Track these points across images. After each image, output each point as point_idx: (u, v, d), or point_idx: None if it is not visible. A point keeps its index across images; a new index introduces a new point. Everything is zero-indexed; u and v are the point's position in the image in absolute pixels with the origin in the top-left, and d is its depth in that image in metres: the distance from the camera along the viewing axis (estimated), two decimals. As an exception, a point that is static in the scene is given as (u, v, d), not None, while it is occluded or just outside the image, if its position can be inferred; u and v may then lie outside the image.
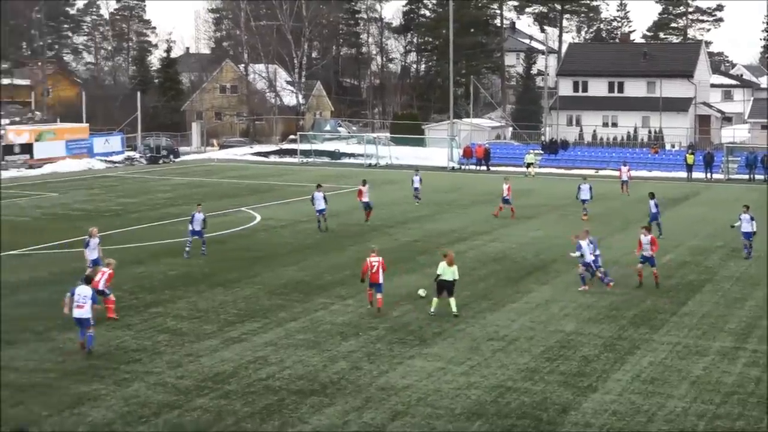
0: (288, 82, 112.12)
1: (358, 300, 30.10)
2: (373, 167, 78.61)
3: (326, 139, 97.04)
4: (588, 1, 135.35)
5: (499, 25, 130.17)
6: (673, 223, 45.63)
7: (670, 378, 22.62)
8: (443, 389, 21.74)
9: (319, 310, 28.96)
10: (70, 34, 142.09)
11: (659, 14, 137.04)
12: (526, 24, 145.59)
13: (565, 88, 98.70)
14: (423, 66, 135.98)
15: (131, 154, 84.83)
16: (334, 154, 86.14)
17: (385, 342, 25.52)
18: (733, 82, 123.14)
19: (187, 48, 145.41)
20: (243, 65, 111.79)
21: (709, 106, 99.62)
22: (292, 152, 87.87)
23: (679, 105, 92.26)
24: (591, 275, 31.76)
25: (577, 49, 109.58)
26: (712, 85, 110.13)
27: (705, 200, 57.34)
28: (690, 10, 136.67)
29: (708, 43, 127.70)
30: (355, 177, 67.04)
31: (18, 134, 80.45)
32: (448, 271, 27.74)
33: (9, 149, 74.40)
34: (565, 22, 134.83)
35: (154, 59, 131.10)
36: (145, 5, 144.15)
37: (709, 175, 70.66)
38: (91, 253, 31.05)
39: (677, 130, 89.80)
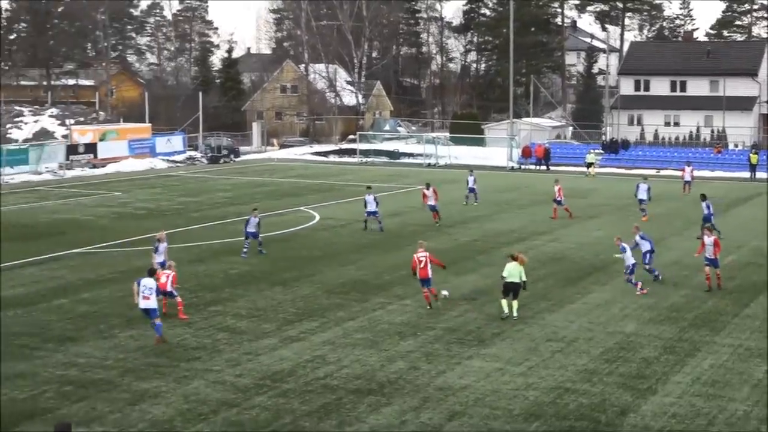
0: (348, 82, 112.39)
1: (416, 300, 30.09)
2: (432, 167, 78.53)
3: (385, 139, 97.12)
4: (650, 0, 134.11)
5: (560, 23, 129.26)
6: (735, 223, 45.09)
7: (731, 381, 22.35)
8: (501, 390, 21.68)
9: (377, 310, 29.02)
10: (133, 35, 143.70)
11: (723, 12, 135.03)
12: (587, 22, 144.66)
13: (627, 87, 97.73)
14: (483, 65, 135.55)
15: (192, 153, 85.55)
16: (393, 154, 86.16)
17: (443, 342, 25.50)
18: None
19: (249, 48, 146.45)
20: (303, 65, 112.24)
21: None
22: (351, 152, 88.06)
23: (742, 104, 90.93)
24: (632, 273, 31.33)
25: (639, 47, 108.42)
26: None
27: (769, 201, 56.47)
28: (755, 7, 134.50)
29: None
30: (414, 177, 67.17)
31: (82, 134, 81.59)
32: (514, 273, 27.43)
33: (73, 149, 75.40)
34: (627, 21, 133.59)
35: (216, 59, 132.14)
36: (207, 6, 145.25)
37: (773, 175, 69.62)
38: (158, 257, 31.35)
39: (741, 129, 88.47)
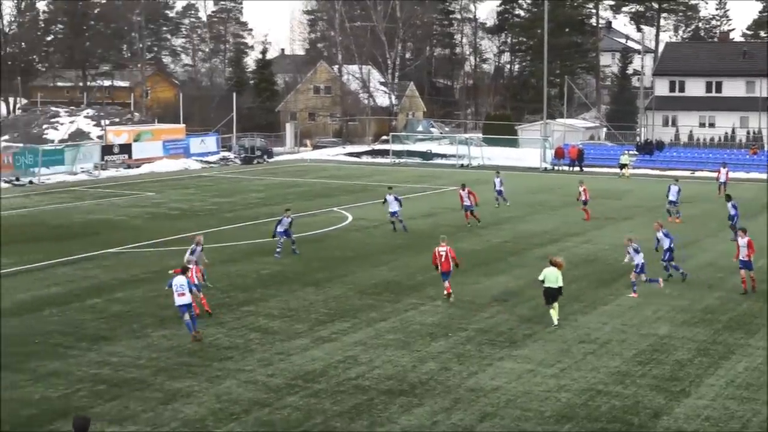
0: (381, 83, 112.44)
1: (448, 301, 30.05)
2: (465, 168, 78.40)
3: (418, 140, 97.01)
4: (686, 0, 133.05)
5: (594, 24, 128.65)
6: (771, 225, 44.72)
7: (765, 384, 22.12)
8: (533, 391, 21.60)
9: (409, 311, 29.00)
10: (168, 36, 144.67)
11: (760, 12, 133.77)
12: (622, 23, 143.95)
13: (662, 88, 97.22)
14: (517, 66, 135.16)
15: (226, 154, 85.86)
16: (426, 155, 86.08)
17: (475, 343, 25.45)
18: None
19: (282, 49, 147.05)
20: (337, 66, 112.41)
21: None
22: (384, 153, 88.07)
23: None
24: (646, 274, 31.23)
25: (674, 48, 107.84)
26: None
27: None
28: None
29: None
30: (447, 178, 67.10)
31: (117, 135, 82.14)
32: (551, 278, 27.03)
33: (108, 149, 75.91)
34: (662, 21, 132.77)
35: (250, 60, 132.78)
36: (242, 7, 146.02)
37: (810, 176, 68.95)
38: (192, 259, 31.38)
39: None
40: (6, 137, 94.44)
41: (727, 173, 57.66)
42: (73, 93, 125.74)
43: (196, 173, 74.15)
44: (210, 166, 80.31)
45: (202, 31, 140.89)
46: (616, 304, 29.94)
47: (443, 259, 29.60)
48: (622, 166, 72.42)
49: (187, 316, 25.63)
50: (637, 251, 31.05)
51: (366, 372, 22.96)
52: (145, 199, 56.85)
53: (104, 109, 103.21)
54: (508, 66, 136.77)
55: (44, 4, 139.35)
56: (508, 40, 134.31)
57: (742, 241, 31.57)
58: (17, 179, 65.50)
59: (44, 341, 25.50)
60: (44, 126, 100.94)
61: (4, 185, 63.39)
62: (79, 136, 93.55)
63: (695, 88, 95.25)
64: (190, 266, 27.81)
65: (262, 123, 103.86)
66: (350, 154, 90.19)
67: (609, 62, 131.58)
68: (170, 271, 28.23)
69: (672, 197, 47.88)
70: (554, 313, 27.03)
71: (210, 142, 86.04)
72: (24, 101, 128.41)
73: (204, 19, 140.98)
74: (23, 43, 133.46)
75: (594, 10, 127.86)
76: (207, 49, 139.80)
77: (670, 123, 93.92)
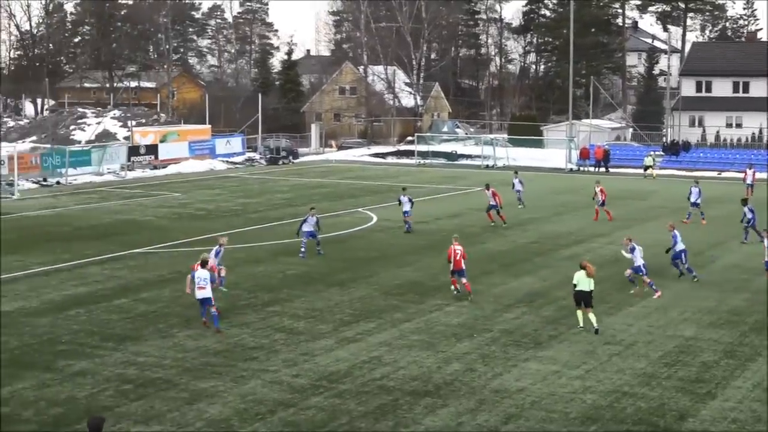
0: (406, 84, 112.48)
1: (473, 301, 30.05)
2: (490, 168, 78.26)
3: (443, 141, 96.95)
4: (713, 0, 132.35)
5: (620, 24, 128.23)
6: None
7: (793, 386, 22.03)
8: (558, 393, 21.55)
9: (433, 311, 28.99)
10: (195, 37, 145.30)
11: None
12: (648, 23, 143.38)
13: (688, 88, 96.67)
14: (542, 66, 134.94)
15: (251, 155, 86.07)
16: (451, 156, 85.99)
17: (500, 344, 25.42)
18: None
19: (308, 50, 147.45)
20: (362, 67, 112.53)
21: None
22: (409, 153, 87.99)
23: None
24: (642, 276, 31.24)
25: (701, 48, 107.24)
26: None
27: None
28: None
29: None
30: (472, 178, 67.04)
31: (143, 135, 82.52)
32: (584, 281, 26.70)
33: (135, 150, 76.24)
34: (689, 21, 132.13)
35: (276, 61, 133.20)
36: (267, 8, 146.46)
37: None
38: (214, 261, 31.55)
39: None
40: (34, 138, 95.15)
41: (753, 174, 57.26)
42: (100, 94, 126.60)
43: (222, 174, 74.37)
44: (235, 166, 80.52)
45: (228, 32, 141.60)
46: (641, 305, 29.81)
47: (458, 257, 30.10)
48: (646, 168, 72.16)
49: (214, 310, 26.31)
50: (632, 251, 31.14)
51: (391, 373, 22.96)
52: (171, 199, 57.07)
53: (131, 110, 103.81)
54: (534, 66, 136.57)
55: (71, 6, 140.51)
56: (534, 40, 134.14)
57: (767, 241, 31.44)
58: (45, 180, 65.91)
59: (71, 341, 25.66)
60: (71, 127, 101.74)
61: (32, 186, 63.77)
62: (105, 136, 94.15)
63: (722, 88, 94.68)
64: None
65: (288, 124, 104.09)
66: (375, 155, 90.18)
67: (635, 62, 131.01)
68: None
69: (693, 199, 47.63)
70: (580, 315, 26.81)
71: (235, 143, 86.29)
72: (52, 102, 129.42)
73: (230, 20, 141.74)
74: (51, 45, 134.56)
75: (620, 10, 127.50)
76: (233, 50, 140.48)
77: (696, 123, 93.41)
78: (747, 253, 37.37)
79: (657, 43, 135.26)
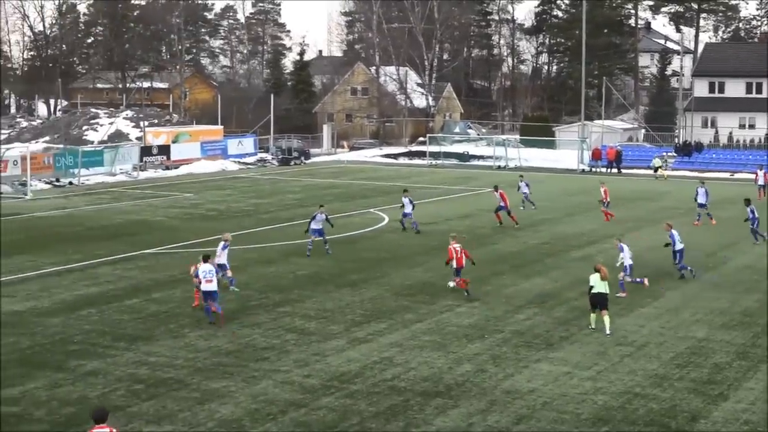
0: (418, 84, 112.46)
1: (484, 302, 30.04)
2: (502, 169, 78.16)
3: (455, 141, 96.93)
4: (726, 0, 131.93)
5: (633, 25, 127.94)
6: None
7: (805, 388, 21.94)
8: (569, 394, 21.51)
9: (444, 312, 28.96)
10: (207, 38, 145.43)
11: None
12: (661, 24, 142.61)
13: (701, 89, 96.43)
14: (554, 67, 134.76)
15: (263, 155, 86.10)
16: (463, 157, 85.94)
17: (511, 345, 25.38)
18: None
19: (320, 51, 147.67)
20: (374, 67, 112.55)
21: None
22: (421, 154, 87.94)
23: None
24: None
25: (714, 49, 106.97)
26: None
27: None
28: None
29: None
30: (484, 179, 66.95)
31: (156, 136, 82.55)
32: (600, 284, 26.58)
33: (147, 150, 76.33)
34: (701, 22, 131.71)
35: (288, 62, 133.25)
36: (280, 9, 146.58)
37: None
38: (221, 258, 31.61)
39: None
40: (47, 138, 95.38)
41: (765, 176, 57.02)
42: (112, 94, 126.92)
43: (234, 174, 74.42)
44: (247, 167, 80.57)
45: (241, 32, 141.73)
46: (653, 306, 29.74)
47: (458, 255, 30.67)
48: (656, 169, 72.05)
49: (216, 303, 27.22)
50: (621, 250, 31.37)
51: (402, 373, 22.95)
52: (182, 200, 57.15)
53: (143, 110, 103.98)
54: (546, 67, 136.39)
55: (84, 7, 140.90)
56: (546, 41, 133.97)
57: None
58: (57, 180, 66.07)
59: (83, 341, 25.71)
60: (84, 127, 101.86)
61: (45, 186, 63.92)
62: (118, 137, 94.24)
63: (735, 89, 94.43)
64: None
65: (300, 124, 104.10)
66: (387, 156, 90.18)
67: (648, 63, 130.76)
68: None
69: (701, 200, 47.48)
70: (593, 318, 26.69)
71: (247, 144, 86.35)
72: (64, 103, 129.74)
73: (242, 20, 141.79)
74: (64, 45, 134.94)
75: (633, 11, 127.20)
76: (245, 51, 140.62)
77: (709, 124, 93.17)
78: (758, 254, 37.27)
79: (670, 44, 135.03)
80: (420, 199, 55.85)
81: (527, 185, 51.46)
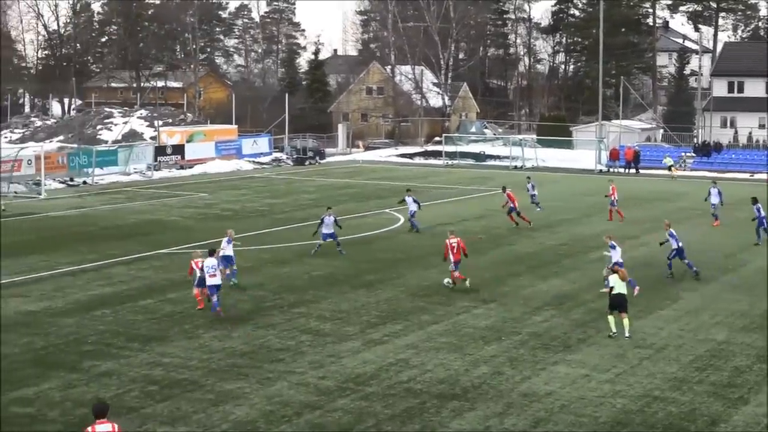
0: (434, 84, 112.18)
1: (501, 304, 29.83)
2: (519, 169, 77.80)
3: (471, 141, 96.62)
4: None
5: (651, 24, 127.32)
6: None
7: (828, 392, 21.64)
8: (587, 397, 21.29)
9: (461, 314, 28.75)
10: (221, 37, 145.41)
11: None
12: (679, 23, 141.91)
13: (720, 88, 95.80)
14: (571, 66, 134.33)
15: (278, 155, 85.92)
16: (479, 157, 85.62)
17: (528, 347, 25.15)
18: None
19: (335, 50, 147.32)
20: (390, 67, 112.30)
21: None
22: (436, 154, 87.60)
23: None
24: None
25: (733, 48, 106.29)
26: None
27: None
28: None
29: None
30: (500, 179, 66.50)
31: (170, 135, 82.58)
32: (620, 285, 26.19)
33: (161, 150, 76.31)
34: (720, 21, 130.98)
35: (303, 61, 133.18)
36: (294, 8, 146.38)
37: None
38: (226, 250, 31.68)
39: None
40: (61, 138, 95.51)
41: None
42: (126, 94, 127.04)
43: (248, 174, 74.33)
44: (262, 167, 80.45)
45: (255, 31, 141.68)
46: (672, 308, 29.47)
47: (455, 250, 31.42)
48: (670, 167, 71.87)
49: (215, 298, 27.89)
50: (612, 248, 31.26)
51: (418, 375, 22.76)
52: (197, 199, 57.07)
53: (157, 109, 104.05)
54: (563, 66, 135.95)
55: (99, 6, 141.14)
56: (563, 40, 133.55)
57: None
58: (71, 180, 66.09)
59: (97, 341, 25.63)
60: (98, 127, 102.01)
61: (59, 185, 63.95)
62: (132, 136, 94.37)
63: (754, 88, 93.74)
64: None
65: (314, 124, 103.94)
66: (402, 156, 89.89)
67: (666, 62, 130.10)
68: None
69: (713, 200, 47.08)
70: (612, 321, 26.22)
71: (262, 143, 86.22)
72: (79, 102, 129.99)
73: (257, 19, 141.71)
74: (78, 44, 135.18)
75: (651, 10, 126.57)
76: (260, 50, 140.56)
77: (728, 124, 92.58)
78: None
79: (688, 43, 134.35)
80: (436, 200, 55.77)
81: (533, 186, 51.00)
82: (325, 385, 22.08)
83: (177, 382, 22.18)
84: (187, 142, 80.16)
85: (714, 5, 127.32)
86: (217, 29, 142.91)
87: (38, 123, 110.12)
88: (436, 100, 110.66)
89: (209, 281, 27.98)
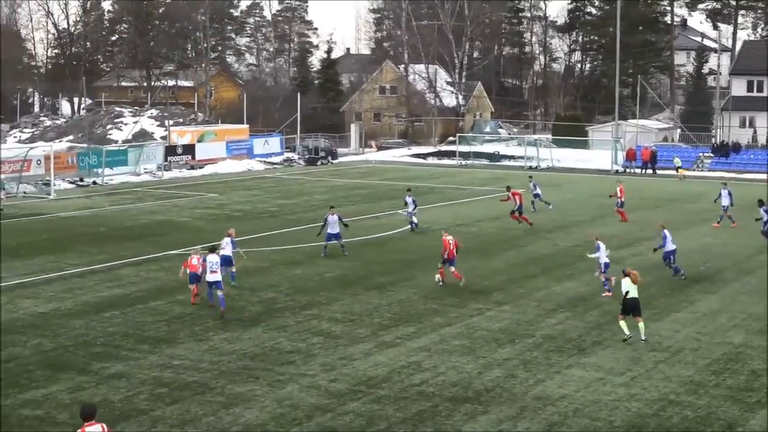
0: (448, 83, 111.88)
1: (514, 306, 29.57)
2: (534, 169, 77.42)
3: (486, 141, 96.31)
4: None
5: (669, 22, 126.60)
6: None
7: None
8: (602, 400, 21.07)
9: (474, 316, 28.50)
10: (233, 35, 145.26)
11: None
12: (697, 21, 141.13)
13: (739, 87, 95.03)
14: (588, 65, 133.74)
15: (290, 155, 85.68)
16: (494, 157, 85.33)
17: (542, 350, 24.90)
18: None
19: (348, 49, 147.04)
20: (403, 66, 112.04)
21: None
22: (450, 154, 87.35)
23: None
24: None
25: (752, 46, 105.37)
26: None
27: None
28: None
29: None
30: (514, 180, 66.22)
31: (181, 135, 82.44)
32: (633, 288, 25.78)
33: (172, 150, 76.09)
34: (740, 19, 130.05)
35: (315, 60, 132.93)
36: (307, 6, 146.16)
37: None
38: (225, 249, 31.55)
39: None
40: (71, 137, 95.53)
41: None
42: (137, 93, 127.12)
43: (260, 174, 74.16)
44: (273, 167, 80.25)
45: (267, 30, 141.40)
46: (689, 311, 29.17)
47: (451, 247, 31.84)
48: (677, 169, 71.57)
49: (220, 293, 28.20)
50: (597, 249, 31.25)
51: (430, 378, 22.55)
52: (208, 200, 56.89)
53: (168, 109, 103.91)
54: (579, 65, 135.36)
55: (109, 4, 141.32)
56: (579, 38, 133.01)
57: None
58: (81, 180, 65.96)
59: (106, 343, 25.48)
60: (108, 126, 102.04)
61: (69, 186, 63.85)
62: (142, 136, 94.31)
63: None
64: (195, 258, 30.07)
65: (327, 123, 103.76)
66: (416, 156, 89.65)
67: (684, 61, 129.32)
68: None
69: (724, 202, 46.65)
70: (625, 325, 25.73)
71: (274, 143, 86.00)
72: (89, 101, 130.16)
73: (269, 18, 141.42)
74: (88, 43, 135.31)
75: (668, 8, 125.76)
76: (271, 49, 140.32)
77: (747, 124, 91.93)
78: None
79: (706, 42, 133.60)
80: (450, 200, 55.57)
81: (536, 186, 50.73)
82: (337, 387, 21.87)
83: (187, 385, 22.01)
84: (198, 141, 79.96)
85: (733, 3, 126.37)
86: (229, 28, 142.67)
87: (48, 122, 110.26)
88: (449, 100, 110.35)
89: (209, 277, 28.37)
